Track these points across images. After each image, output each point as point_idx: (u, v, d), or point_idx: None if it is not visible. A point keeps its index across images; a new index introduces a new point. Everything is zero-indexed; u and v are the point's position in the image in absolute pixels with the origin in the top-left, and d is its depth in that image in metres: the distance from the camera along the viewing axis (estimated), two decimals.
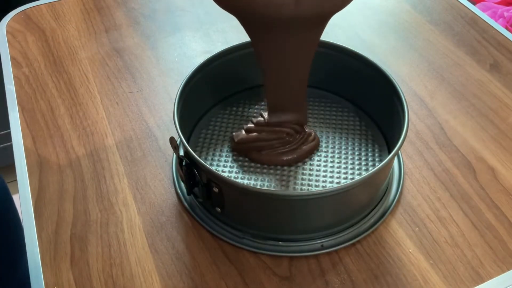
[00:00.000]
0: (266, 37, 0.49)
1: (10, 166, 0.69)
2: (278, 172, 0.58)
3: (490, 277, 0.51)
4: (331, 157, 0.60)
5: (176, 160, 0.59)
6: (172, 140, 0.53)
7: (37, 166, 0.61)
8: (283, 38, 0.49)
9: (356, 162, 0.59)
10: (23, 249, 0.53)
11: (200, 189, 0.53)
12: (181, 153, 0.55)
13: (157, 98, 0.69)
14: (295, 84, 0.55)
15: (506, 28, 1.10)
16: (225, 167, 0.59)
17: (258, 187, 0.56)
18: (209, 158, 0.60)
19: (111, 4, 0.86)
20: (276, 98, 0.57)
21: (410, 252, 0.53)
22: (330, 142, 0.61)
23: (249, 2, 0.45)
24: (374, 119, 0.64)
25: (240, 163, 0.59)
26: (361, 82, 0.62)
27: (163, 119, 0.66)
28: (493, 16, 1.16)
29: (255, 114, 0.65)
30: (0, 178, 0.77)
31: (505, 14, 1.16)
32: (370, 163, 0.59)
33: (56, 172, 0.60)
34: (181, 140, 0.52)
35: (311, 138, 0.60)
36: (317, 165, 0.59)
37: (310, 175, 0.58)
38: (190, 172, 0.52)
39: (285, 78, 0.54)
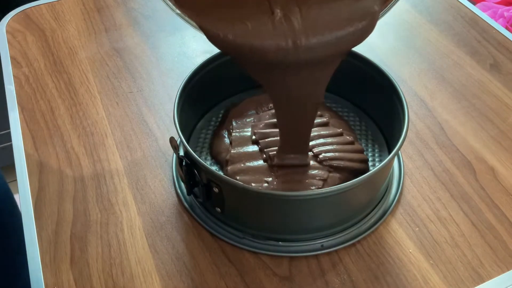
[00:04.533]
0: (269, 77, 0.46)
1: (10, 166, 0.69)
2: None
3: (490, 277, 0.51)
4: None
5: (176, 160, 0.59)
6: (172, 140, 0.53)
7: (37, 166, 0.61)
8: (289, 77, 0.45)
9: None
10: (26, 251, 0.53)
11: (200, 189, 0.53)
12: (181, 153, 0.55)
13: (157, 98, 0.69)
14: (303, 122, 0.51)
15: (506, 28, 1.10)
16: None
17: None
18: (209, 158, 0.60)
19: (111, 4, 0.86)
20: (286, 137, 0.53)
21: (410, 252, 0.53)
22: None
23: (247, 49, 0.41)
24: (374, 119, 0.64)
25: None
26: (361, 82, 0.62)
27: (163, 119, 0.66)
28: (493, 16, 1.16)
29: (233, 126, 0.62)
30: (2, 180, 0.77)
31: (505, 14, 1.16)
32: (370, 163, 0.59)
33: (56, 172, 0.60)
34: (181, 140, 0.52)
35: None
36: None
37: None
38: (190, 172, 0.52)
39: (293, 117, 0.50)
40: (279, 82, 0.46)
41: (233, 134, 0.59)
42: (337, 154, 0.56)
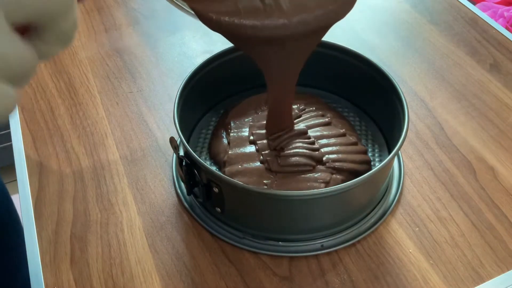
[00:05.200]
0: (258, 50, 0.49)
1: (10, 166, 0.69)
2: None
3: (490, 277, 0.51)
4: None
5: (176, 160, 0.59)
6: (172, 140, 0.53)
7: (37, 166, 0.61)
8: (276, 49, 0.49)
9: None
10: (24, 251, 0.53)
11: (200, 189, 0.53)
12: (181, 153, 0.55)
13: (157, 98, 0.69)
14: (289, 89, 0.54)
15: (506, 28, 1.10)
16: None
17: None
18: (209, 158, 0.60)
19: (111, 4, 0.86)
20: (275, 115, 0.56)
21: (410, 252, 0.53)
22: None
23: (238, 31, 0.44)
24: (374, 119, 0.64)
25: None
26: (361, 82, 0.62)
27: (163, 119, 0.66)
28: (493, 16, 1.16)
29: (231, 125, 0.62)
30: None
31: (505, 14, 1.16)
32: None
33: (56, 172, 0.60)
34: (181, 140, 0.52)
35: None
36: None
37: None
38: (190, 172, 0.52)
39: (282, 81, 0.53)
40: (269, 55, 0.49)
41: (231, 134, 0.59)
42: (340, 155, 0.56)
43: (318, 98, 0.65)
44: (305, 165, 0.54)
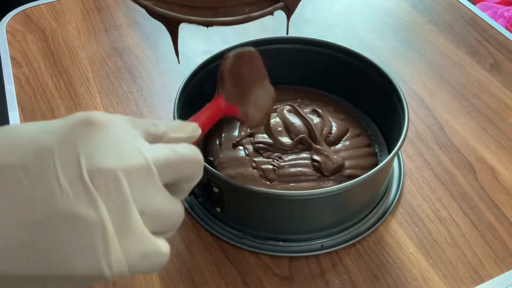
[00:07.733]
0: None
1: None
2: None
3: (490, 277, 0.51)
4: None
5: None
6: None
7: None
8: None
9: None
10: None
11: (200, 189, 0.53)
12: None
13: (157, 98, 0.69)
14: None
15: (506, 28, 1.10)
16: None
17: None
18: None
19: (111, 4, 0.86)
20: None
21: (410, 252, 0.53)
22: None
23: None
24: (374, 119, 0.64)
25: None
26: (361, 82, 0.62)
27: (163, 119, 0.66)
28: (493, 16, 1.17)
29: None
30: None
31: (505, 14, 1.16)
32: None
33: None
34: None
35: None
36: None
37: None
38: None
39: None
40: None
41: (223, 135, 0.59)
42: (352, 162, 0.55)
43: (327, 95, 0.65)
44: (308, 175, 0.54)
